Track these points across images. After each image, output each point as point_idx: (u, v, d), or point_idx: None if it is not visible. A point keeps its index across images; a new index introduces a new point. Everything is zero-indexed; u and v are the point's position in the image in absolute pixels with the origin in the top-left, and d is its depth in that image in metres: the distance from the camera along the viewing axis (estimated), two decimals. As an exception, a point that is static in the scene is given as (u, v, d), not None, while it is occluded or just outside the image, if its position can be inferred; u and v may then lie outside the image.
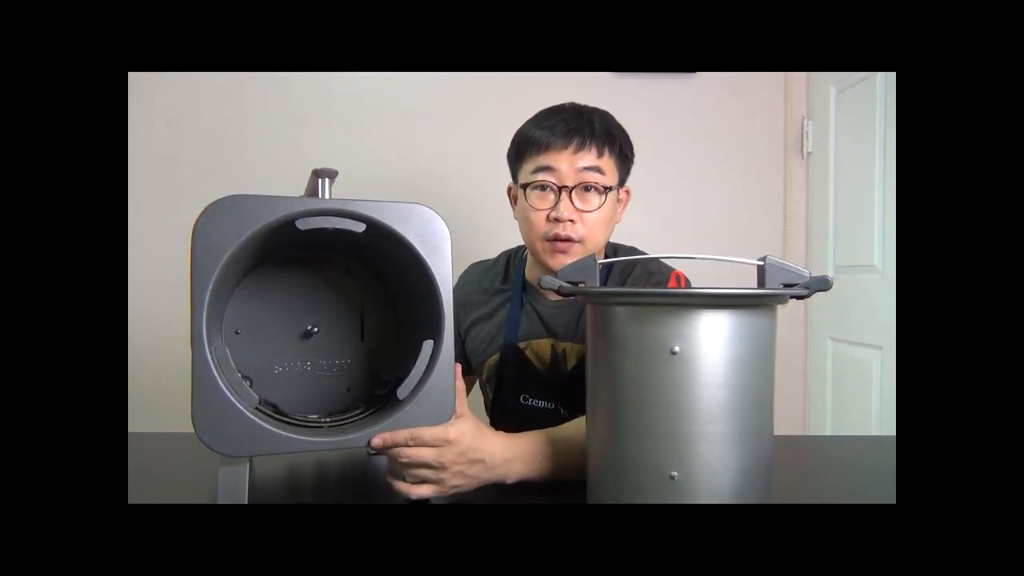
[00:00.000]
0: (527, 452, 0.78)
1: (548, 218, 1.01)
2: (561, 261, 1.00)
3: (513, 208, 1.11)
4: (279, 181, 1.76)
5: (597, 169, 1.00)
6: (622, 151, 1.04)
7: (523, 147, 1.04)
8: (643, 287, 1.06)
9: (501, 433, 0.79)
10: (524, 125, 1.06)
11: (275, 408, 0.76)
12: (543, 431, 0.81)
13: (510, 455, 0.76)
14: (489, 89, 1.85)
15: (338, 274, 0.84)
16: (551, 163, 1.00)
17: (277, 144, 1.82)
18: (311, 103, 1.83)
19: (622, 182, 1.07)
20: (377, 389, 0.81)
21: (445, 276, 0.73)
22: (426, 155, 1.85)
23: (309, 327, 0.81)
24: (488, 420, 1.17)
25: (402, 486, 0.73)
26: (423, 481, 0.73)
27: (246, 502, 0.67)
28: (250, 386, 0.73)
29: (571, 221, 1.00)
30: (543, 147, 1.00)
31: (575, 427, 0.80)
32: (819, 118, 1.88)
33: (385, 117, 1.85)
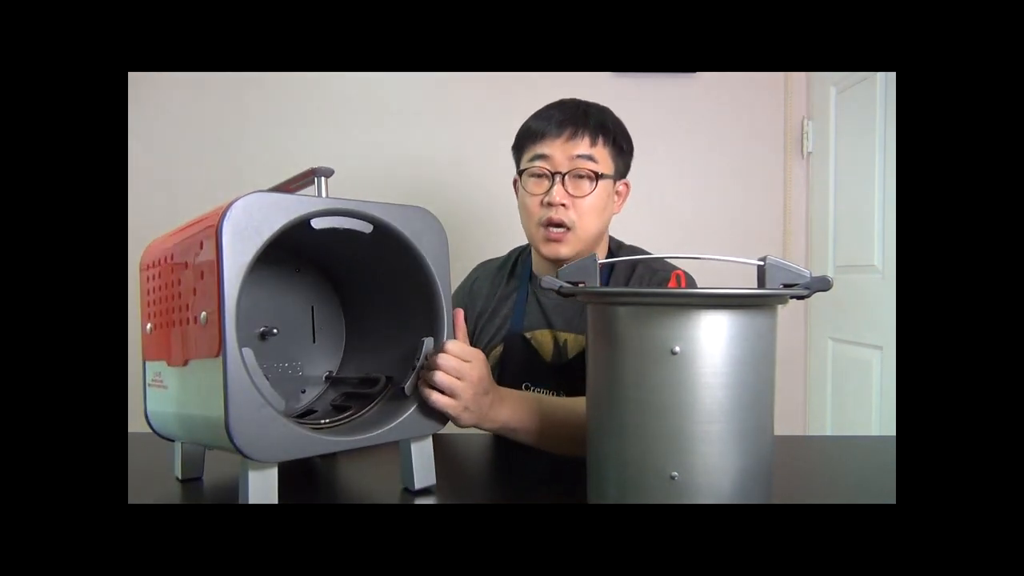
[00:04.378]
0: (517, 400, 0.88)
1: (542, 203, 1.06)
2: (554, 249, 1.06)
3: (517, 199, 1.15)
4: (279, 181, 1.76)
5: (590, 157, 1.05)
6: (616, 142, 1.08)
7: (523, 138, 1.11)
8: (646, 286, 1.07)
9: None
10: (527, 119, 1.12)
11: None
12: (539, 395, 0.94)
13: (504, 396, 0.87)
14: (489, 89, 1.85)
15: (287, 273, 0.84)
16: (546, 151, 1.06)
17: (276, 144, 1.82)
18: (311, 103, 1.83)
19: (620, 175, 1.11)
20: (367, 388, 0.81)
21: (444, 276, 0.77)
22: (424, 155, 1.85)
23: (265, 328, 0.82)
24: None
25: (430, 394, 0.76)
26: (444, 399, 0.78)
27: (276, 503, 0.66)
28: None
29: (563, 205, 1.04)
30: (540, 136, 1.07)
31: (572, 402, 0.89)
32: (819, 118, 1.88)
33: (384, 117, 1.85)
